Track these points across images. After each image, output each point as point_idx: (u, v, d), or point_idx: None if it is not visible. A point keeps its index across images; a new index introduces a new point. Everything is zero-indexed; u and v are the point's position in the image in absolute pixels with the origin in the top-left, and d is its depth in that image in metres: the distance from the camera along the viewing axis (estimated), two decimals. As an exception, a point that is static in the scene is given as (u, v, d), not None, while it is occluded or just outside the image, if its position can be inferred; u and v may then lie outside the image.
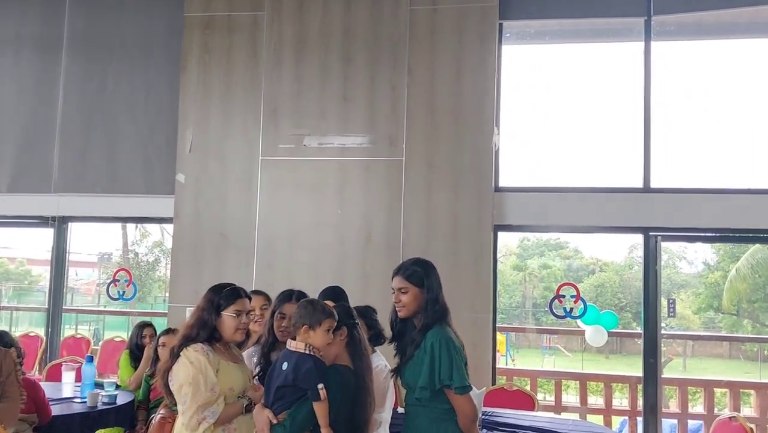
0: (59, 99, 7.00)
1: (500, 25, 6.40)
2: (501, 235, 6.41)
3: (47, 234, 7.23)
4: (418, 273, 3.17)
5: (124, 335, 8.73)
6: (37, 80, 7.08)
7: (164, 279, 14.22)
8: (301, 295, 3.77)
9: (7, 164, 7.00)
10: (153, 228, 13.84)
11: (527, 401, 5.45)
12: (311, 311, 3.05)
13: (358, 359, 3.12)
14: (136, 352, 5.48)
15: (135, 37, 6.98)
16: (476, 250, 6.05)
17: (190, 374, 3.02)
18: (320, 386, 2.91)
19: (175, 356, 3.13)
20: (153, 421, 4.30)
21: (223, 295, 3.21)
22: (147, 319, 5.90)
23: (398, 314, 3.20)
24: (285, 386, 2.98)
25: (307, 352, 2.99)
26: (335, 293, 3.82)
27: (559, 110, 6.97)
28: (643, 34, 6.31)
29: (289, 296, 3.71)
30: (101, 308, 12.74)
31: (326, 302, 3.28)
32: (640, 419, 6.40)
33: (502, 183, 6.31)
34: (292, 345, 3.05)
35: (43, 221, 7.07)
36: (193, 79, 6.60)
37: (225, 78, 6.56)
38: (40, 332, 7.64)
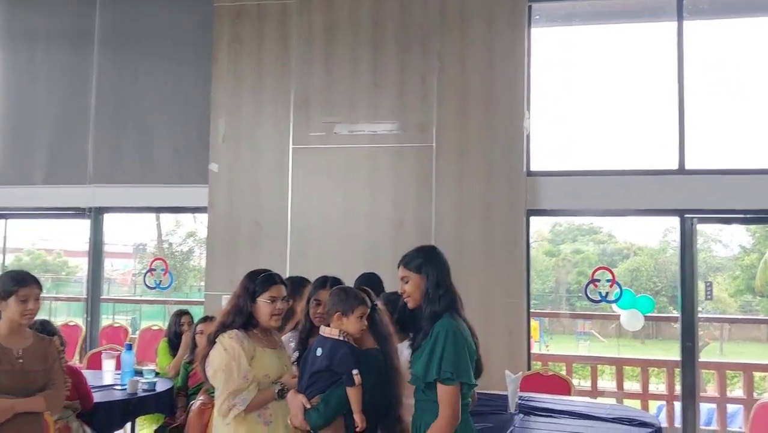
0: (92, 91, 7.11)
1: (529, 7, 6.33)
2: (533, 220, 6.36)
3: (83, 225, 7.37)
4: (417, 260, 3.05)
5: (161, 324, 8.87)
6: (69, 73, 7.20)
7: (198, 268, 14.40)
8: (335, 281, 3.80)
9: (42, 157, 7.14)
10: (186, 218, 13.98)
11: (563, 386, 5.43)
12: (344, 298, 3.09)
13: (383, 341, 3.16)
14: (174, 340, 5.56)
15: (165, 29, 7.05)
16: (509, 235, 6.02)
17: (224, 361, 3.08)
18: (355, 371, 2.94)
19: (211, 342, 3.20)
20: (192, 407, 4.38)
21: (258, 281, 3.24)
22: (184, 307, 5.99)
23: (407, 305, 3.10)
24: (319, 371, 3.03)
25: (341, 338, 3.04)
26: (370, 280, 3.84)
27: (592, 92, 6.88)
28: (675, 14, 6.20)
29: (323, 282, 3.75)
30: (138, 298, 12.96)
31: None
32: (677, 403, 6.34)
33: (534, 167, 6.26)
34: (326, 331, 3.09)
35: (79, 212, 7.19)
36: (224, 69, 6.64)
37: (256, 67, 6.60)
38: (79, 321, 7.79)
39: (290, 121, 6.50)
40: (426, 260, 3.03)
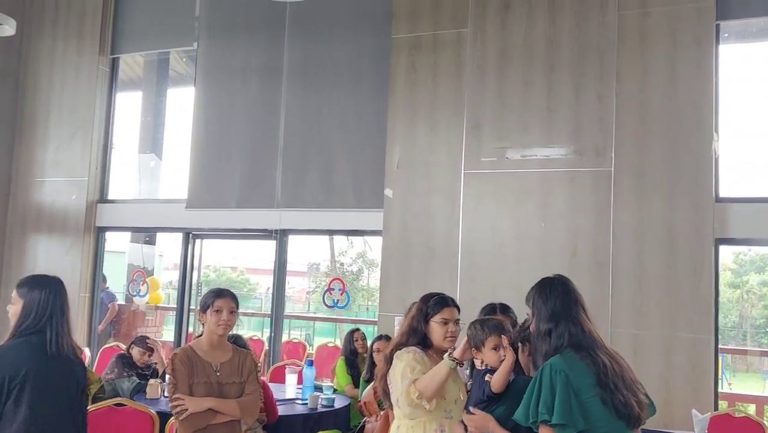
0: (281, 123, 7.54)
1: (717, 25, 5.98)
2: (721, 249, 5.93)
3: (265, 246, 7.87)
4: (530, 294, 2.93)
5: (334, 340, 9.25)
6: (261, 106, 7.67)
7: (367, 288, 14.84)
8: (504, 307, 3.83)
9: (236, 183, 7.65)
10: (356, 239, 14.50)
11: (756, 429, 5.01)
12: (474, 333, 3.12)
13: (520, 369, 3.14)
14: (350, 357, 5.80)
15: (346, 62, 7.35)
16: (695, 265, 5.66)
17: (400, 369, 3.23)
18: (494, 408, 2.96)
19: (389, 361, 3.35)
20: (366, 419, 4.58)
21: (431, 303, 3.40)
22: (354, 326, 6.24)
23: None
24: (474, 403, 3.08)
25: (483, 369, 3.07)
26: (493, 311, 3.80)
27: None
28: None
29: (492, 309, 3.79)
30: (312, 315, 13.63)
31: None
32: None
33: (722, 193, 5.87)
34: (476, 364, 3.15)
35: (266, 234, 7.64)
36: (400, 98, 6.86)
37: (430, 95, 6.75)
38: (258, 335, 8.30)
39: (462, 147, 6.57)
40: (537, 293, 2.90)
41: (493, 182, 6.43)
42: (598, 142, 6.09)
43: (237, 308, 3.76)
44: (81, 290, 8.27)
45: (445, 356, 3.13)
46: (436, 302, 3.40)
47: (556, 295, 2.83)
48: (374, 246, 6.92)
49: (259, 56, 7.75)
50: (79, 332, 8.03)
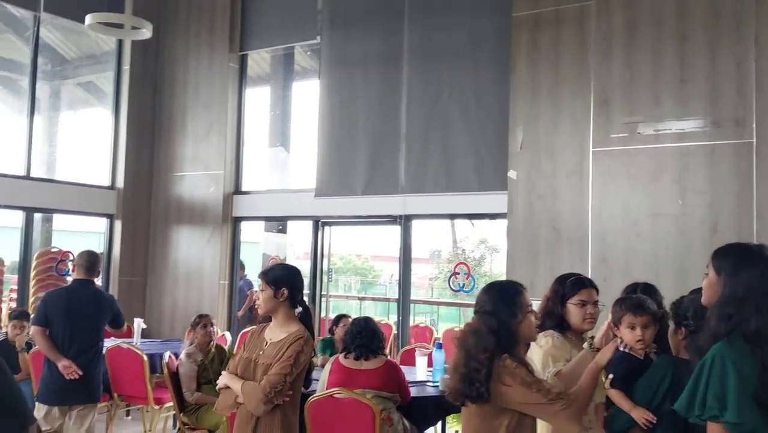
0: (402, 109, 7.61)
1: None
2: None
3: (389, 231, 7.98)
4: (723, 259, 2.47)
5: (459, 325, 9.27)
6: (383, 93, 7.77)
7: (489, 274, 14.75)
8: (647, 287, 3.71)
9: (362, 170, 7.80)
10: (478, 224, 14.48)
11: None
12: (614, 311, 3.06)
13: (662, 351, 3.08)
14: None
15: (465, 43, 7.31)
16: None
17: (541, 357, 3.18)
18: (609, 376, 2.96)
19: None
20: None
21: (568, 285, 3.33)
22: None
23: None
24: None
25: (620, 348, 2.99)
26: (634, 292, 3.65)
27: None
28: None
29: (634, 289, 3.67)
30: (437, 300, 13.76)
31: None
32: None
33: None
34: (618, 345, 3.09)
35: (391, 220, 7.76)
36: (521, 77, 6.73)
37: (553, 72, 6.58)
38: (385, 319, 8.43)
39: (590, 124, 6.37)
40: (735, 259, 2.45)
41: (624, 159, 6.20)
42: (738, 112, 5.72)
43: (270, 284, 3.51)
44: (221, 277, 8.73)
45: (585, 344, 3.06)
46: (573, 283, 3.35)
47: (756, 270, 2.39)
48: (501, 227, 6.84)
49: (379, 44, 7.85)
50: (219, 318, 8.49)
